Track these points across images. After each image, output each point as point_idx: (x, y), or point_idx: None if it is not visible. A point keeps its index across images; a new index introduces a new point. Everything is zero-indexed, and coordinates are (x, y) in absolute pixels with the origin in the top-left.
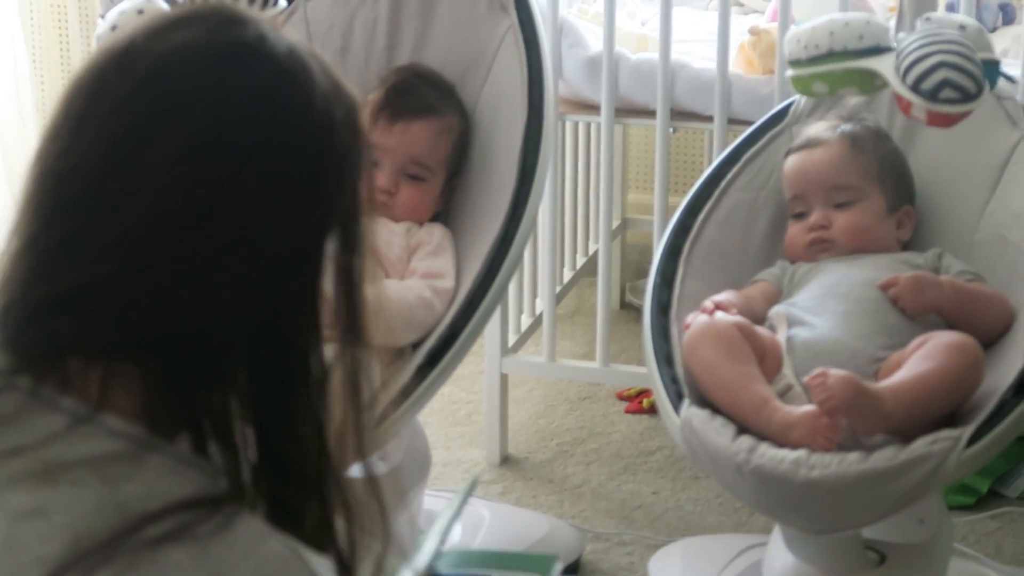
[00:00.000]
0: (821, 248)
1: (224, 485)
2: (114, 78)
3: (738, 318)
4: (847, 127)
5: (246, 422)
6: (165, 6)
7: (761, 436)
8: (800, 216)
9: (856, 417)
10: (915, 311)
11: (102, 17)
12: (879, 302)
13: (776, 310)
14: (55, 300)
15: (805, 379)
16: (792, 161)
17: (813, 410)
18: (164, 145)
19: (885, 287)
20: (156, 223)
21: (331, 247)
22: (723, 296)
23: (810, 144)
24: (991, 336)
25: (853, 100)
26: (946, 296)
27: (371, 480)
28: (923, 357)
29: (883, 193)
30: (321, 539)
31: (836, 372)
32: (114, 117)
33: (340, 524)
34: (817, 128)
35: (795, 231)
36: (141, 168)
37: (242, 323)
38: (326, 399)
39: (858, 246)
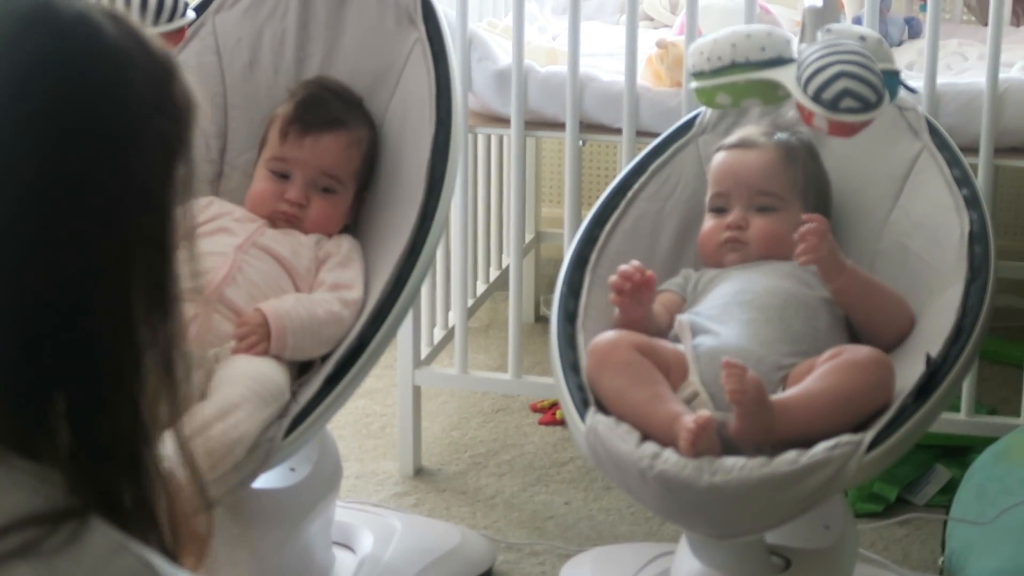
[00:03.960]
0: (732, 248)
1: (73, 498)
2: None
3: (638, 336)
4: (783, 136)
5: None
6: None
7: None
8: (719, 212)
9: (748, 421)
10: (814, 258)
11: None
12: (782, 309)
13: (680, 320)
14: None
15: (723, 360)
16: (723, 158)
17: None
18: None
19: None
20: None
21: (145, 224)
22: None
23: (744, 144)
24: (893, 339)
25: (790, 112)
26: (851, 273)
27: (190, 460)
28: (826, 373)
29: (804, 208)
30: (143, 527)
31: (753, 373)
32: None
33: (163, 512)
34: (752, 131)
35: (711, 227)
36: None
37: (47, 310)
38: (139, 378)
39: (768, 253)
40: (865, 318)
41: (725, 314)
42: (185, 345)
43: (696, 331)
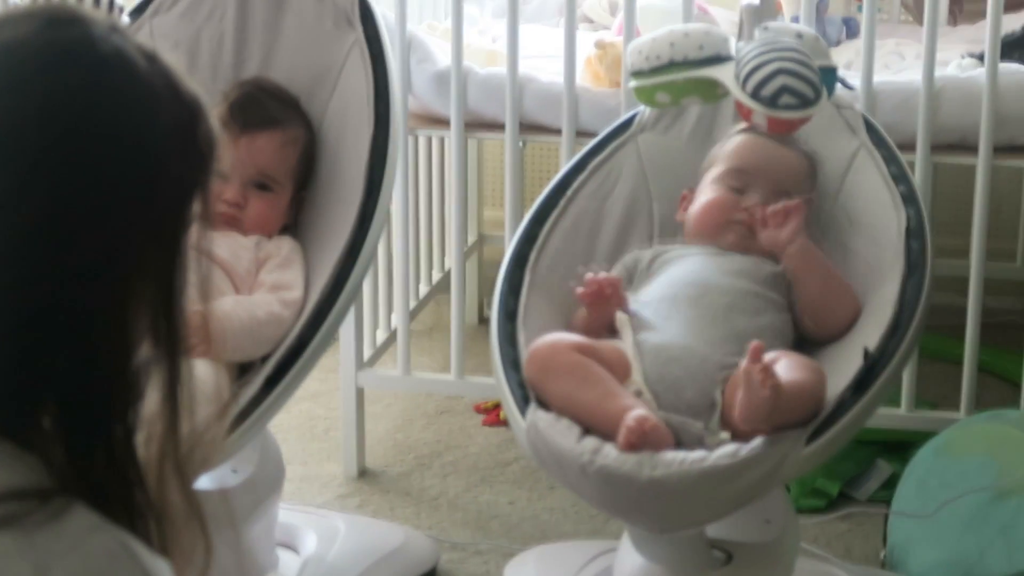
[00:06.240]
0: (741, 232)
1: (55, 480)
2: None
3: (577, 337)
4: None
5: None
6: None
7: None
8: (733, 188)
9: (764, 405)
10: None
11: None
12: (727, 308)
13: (620, 317)
14: None
15: (748, 352)
16: (760, 141)
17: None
18: None
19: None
20: None
21: (152, 259)
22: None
23: (786, 140)
24: (840, 327)
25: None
26: (814, 250)
27: (190, 496)
28: (795, 367)
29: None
30: (129, 527)
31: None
32: None
33: (154, 534)
34: None
35: (726, 200)
36: None
37: (46, 329)
38: (135, 408)
39: (752, 247)
40: (815, 294)
41: (671, 310)
42: (187, 373)
43: (639, 328)
